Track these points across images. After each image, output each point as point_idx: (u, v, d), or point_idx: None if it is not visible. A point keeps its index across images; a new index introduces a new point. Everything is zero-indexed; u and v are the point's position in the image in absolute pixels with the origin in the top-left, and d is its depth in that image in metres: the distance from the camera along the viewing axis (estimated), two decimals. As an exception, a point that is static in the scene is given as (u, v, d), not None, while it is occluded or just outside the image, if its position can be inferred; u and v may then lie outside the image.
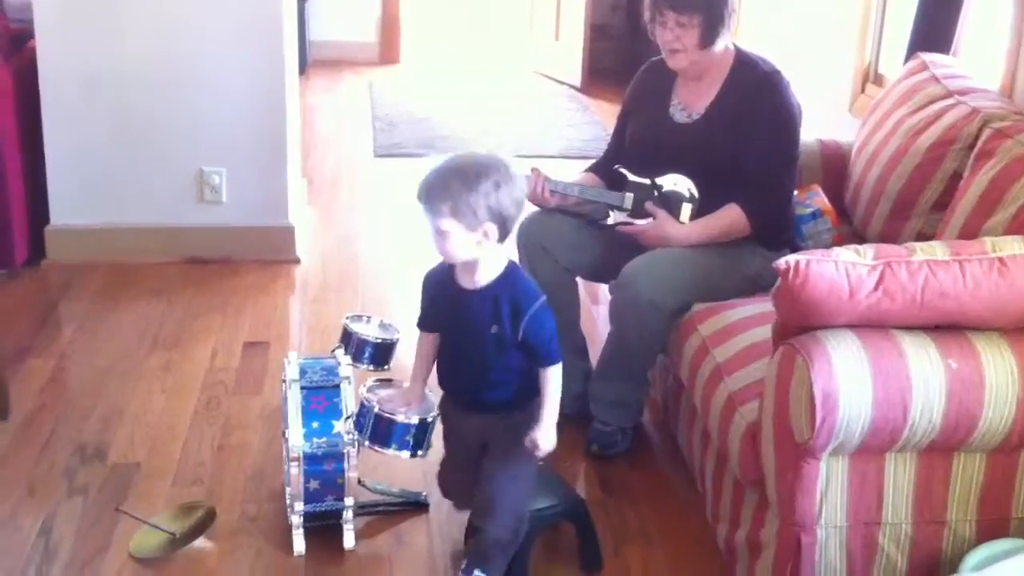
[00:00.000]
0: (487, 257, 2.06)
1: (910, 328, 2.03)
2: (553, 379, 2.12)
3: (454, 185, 1.97)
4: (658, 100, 2.88)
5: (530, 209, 2.95)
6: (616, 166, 2.87)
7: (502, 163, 2.02)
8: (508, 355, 2.11)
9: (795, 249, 2.61)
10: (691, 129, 2.81)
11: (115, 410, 2.95)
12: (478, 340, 2.12)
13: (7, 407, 2.89)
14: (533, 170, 2.88)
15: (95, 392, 3.05)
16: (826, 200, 2.95)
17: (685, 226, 2.77)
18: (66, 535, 2.44)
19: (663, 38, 2.74)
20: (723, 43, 2.75)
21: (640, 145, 2.90)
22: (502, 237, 2.03)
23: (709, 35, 2.70)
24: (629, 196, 2.81)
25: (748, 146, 2.71)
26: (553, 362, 2.11)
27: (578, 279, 2.98)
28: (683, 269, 2.69)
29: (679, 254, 2.72)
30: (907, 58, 3.30)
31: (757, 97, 2.74)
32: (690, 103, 2.83)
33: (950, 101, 2.81)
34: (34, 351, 3.27)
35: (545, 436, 2.11)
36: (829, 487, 2.05)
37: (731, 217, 2.74)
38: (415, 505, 2.59)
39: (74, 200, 3.89)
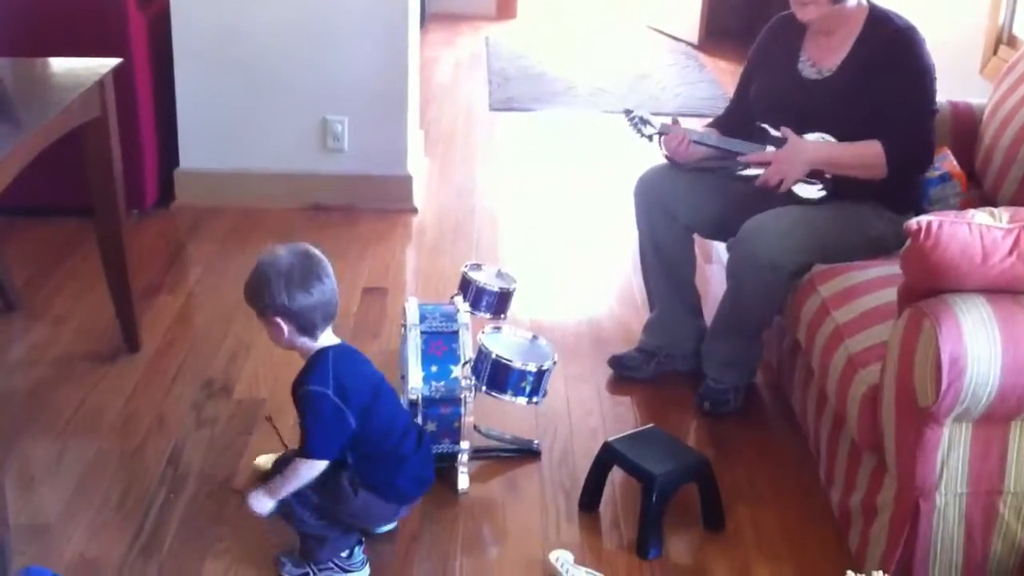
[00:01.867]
0: (304, 348, 2.15)
1: (1044, 295, 1.99)
2: (297, 465, 2.10)
3: (248, 292, 2.14)
4: (786, 56, 2.82)
5: (651, 164, 2.95)
6: (757, 121, 2.80)
7: (295, 261, 2.09)
8: None
9: (920, 212, 2.55)
10: (821, 86, 2.75)
11: (240, 348, 3.06)
12: None
13: (138, 341, 3.02)
14: (674, 121, 2.86)
15: (221, 330, 3.16)
16: (955, 163, 2.87)
17: (817, 141, 2.70)
18: (193, 464, 2.54)
19: (794, -7, 2.69)
20: (856, -2, 2.68)
21: (767, 102, 2.84)
22: (301, 329, 2.10)
23: (842, -11, 2.64)
24: (770, 150, 2.76)
25: (885, 100, 2.64)
26: (304, 453, 2.10)
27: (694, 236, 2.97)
28: (803, 228, 2.65)
29: (800, 213, 2.68)
30: (1047, 19, 3.18)
31: (892, 52, 2.66)
32: (820, 59, 2.77)
33: (1093, 64, 2.72)
34: (163, 289, 3.41)
35: (256, 496, 2.14)
36: (951, 453, 2.02)
37: (869, 149, 2.65)
38: (527, 452, 2.63)
39: (202, 145, 4.01)
